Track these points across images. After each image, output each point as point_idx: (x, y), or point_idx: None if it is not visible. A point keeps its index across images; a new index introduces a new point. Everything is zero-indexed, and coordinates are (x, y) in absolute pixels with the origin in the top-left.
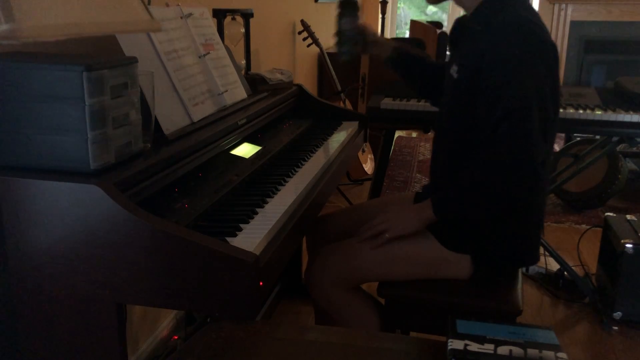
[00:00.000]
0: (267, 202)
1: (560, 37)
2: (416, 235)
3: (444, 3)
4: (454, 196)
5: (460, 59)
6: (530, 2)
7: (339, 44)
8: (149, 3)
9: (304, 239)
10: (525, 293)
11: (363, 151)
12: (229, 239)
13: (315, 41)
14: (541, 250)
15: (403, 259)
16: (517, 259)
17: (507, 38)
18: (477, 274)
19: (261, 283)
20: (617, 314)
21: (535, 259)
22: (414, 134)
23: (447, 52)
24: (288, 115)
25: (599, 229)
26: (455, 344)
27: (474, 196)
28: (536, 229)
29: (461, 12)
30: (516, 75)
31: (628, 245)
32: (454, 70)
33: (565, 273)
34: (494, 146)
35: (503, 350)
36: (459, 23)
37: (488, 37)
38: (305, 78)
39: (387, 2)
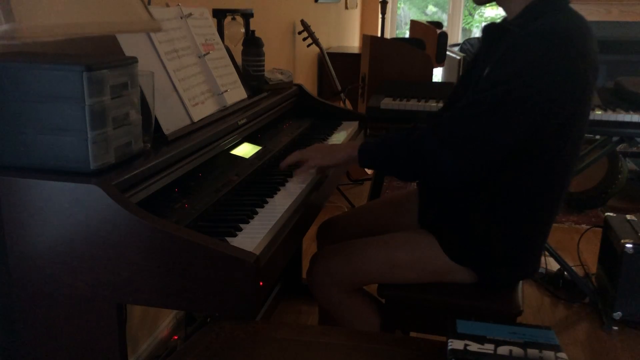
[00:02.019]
0: (267, 202)
1: None
2: (421, 243)
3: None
4: (381, 144)
5: (495, 61)
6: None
7: None
8: (149, 3)
9: (315, 239)
10: (525, 293)
11: None
12: (229, 239)
13: (315, 41)
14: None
15: (407, 264)
16: (520, 272)
17: (534, 43)
18: (479, 283)
19: (261, 283)
20: (617, 314)
21: (536, 270)
22: None
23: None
24: (288, 115)
25: (599, 229)
26: (455, 344)
27: (401, 154)
28: (541, 243)
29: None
30: (523, 72)
31: (628, 245)
32: (487, 73)
33: (565, 273)
34: (445, 121)
35: (503, 350)
36: (499, 25)
37: (521, 43)
38: (305, 78)
39: (387, 2)
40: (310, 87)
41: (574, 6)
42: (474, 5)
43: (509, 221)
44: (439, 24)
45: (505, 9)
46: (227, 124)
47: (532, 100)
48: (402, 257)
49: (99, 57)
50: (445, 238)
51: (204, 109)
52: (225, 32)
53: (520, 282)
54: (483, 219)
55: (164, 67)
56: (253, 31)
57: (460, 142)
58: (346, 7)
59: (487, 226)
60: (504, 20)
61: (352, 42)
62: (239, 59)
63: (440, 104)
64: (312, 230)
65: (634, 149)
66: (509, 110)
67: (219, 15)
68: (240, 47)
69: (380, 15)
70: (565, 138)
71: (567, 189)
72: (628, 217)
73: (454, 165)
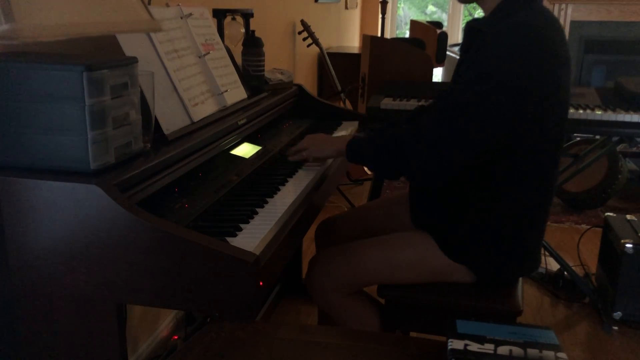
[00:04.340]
0: (267, 202)
1: None
2: (419, 243)
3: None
4: (368, 142)
5: (471, 65)
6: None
7: None
8: (149, 3)
9: (314, 241)
10: (525, 293)
11: None
12: (229, 239)
13: (315, 41)
14: (541, 250)
15: (405, 265)
16: (518, 269)
17: (504, 41)
18: (479, 281)
19: (261, 283)
20: (617, 314)
21: (535, 267)
22: None
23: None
24: (288, 115)
25: (599, 229)
26: (455, 344)
27: (385, 154)
28: (538, 239)
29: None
30: (494, 71)
31: (628, 245)
32: (462, 73)
33: (565, 273)
34: (426, 122)
35: (503, 350)
36: (471, 27)
37: (491, 41)
38: (305, 78)
39: (387, 2)
40: (310, 87)
41: (575, 6)
42: (464, 4)
43: (501, 217)
44: (439, 24)
45: (481, 7)
46: (227, 124)
47: (502, 99)
48: (401, 258)
49: (99, 57)
50: (442, 238)
51: (204, 109)
52: (225, 32)
53: (520, 281)
54: (477, 217)
55: (164, 67)
56: (253, 31)
57: (439, 143)
58: (346, 7)
59: (481, 223)
60: (477, 20)
61: (352, 42)
62: (239, 59)
63: None
64: (312, 231)
65: (634, 149)
66: (481, 110)
67: (219, 15)
68: (240, 47)
69: (380, 15)
70: (543, 132)
71: (554, 185)
72: (628, 217)
73: (434, 165)
